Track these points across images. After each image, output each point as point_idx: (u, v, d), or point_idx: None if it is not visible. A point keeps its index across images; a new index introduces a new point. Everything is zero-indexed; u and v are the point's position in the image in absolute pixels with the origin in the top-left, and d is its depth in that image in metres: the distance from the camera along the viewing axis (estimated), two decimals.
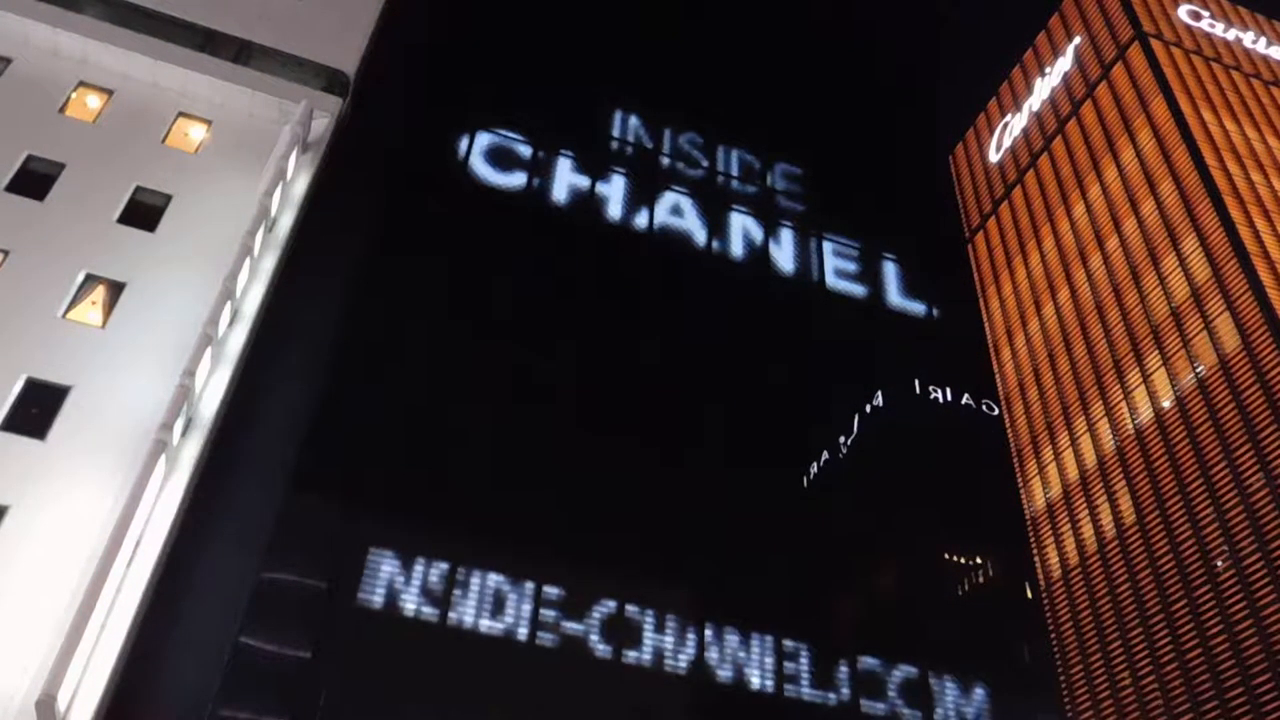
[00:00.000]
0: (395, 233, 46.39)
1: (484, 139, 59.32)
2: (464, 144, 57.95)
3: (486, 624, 56.77)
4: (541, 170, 61.64)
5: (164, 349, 24.30)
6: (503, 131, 60.13)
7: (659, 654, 62.24)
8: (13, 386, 22.96)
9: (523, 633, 57.95)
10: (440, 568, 58.56)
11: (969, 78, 79.65)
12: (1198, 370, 45.90)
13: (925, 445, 79.12)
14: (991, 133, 75.20)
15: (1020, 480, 57.24)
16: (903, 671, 68.24)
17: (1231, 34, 63.31)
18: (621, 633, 60.98)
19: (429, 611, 57.30)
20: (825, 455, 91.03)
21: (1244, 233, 46.84)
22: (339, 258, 30.79)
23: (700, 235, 66.10)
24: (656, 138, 71.86)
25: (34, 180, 27.12)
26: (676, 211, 68.18)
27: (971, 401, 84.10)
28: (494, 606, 57.49)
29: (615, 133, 69.06)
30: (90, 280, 25.53)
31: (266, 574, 34.25)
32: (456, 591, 57.36)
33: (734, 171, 75.43)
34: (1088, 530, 49.69)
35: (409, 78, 40.28)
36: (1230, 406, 43.26)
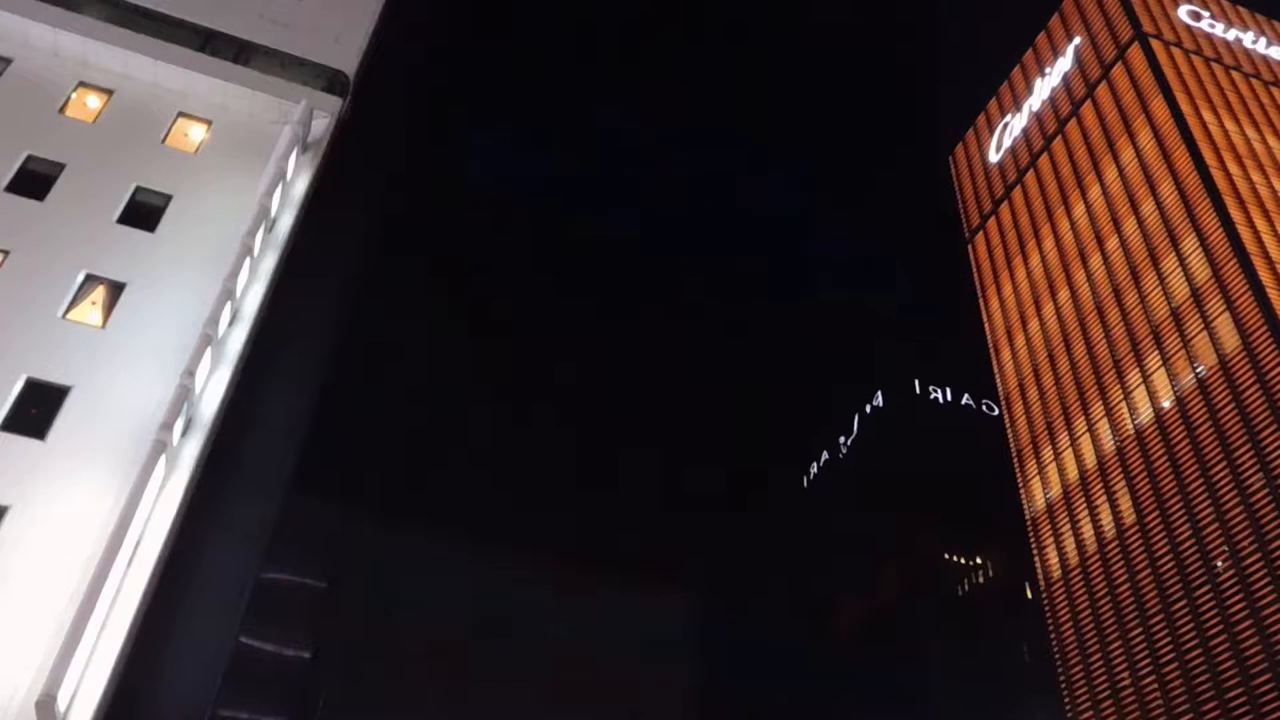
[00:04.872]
0: (395, 233, 46.39)
1: (483, 138, 59.44)
2: (463, 144, 58.10)
3: (486, 624, 56.72)
4: (541, 170, 61.76)
5: (164, 349, 24.24)
6: (502, 131, 60.28)
7: (658, 653, 62.20)
8: (13, 386, 22.91)
9: (523, 632, 57.89)
10: (439, 567, 58.57)
11: (969, 78, 79.73)
12: (1198, 370, 45.88)
13: (925, 445, 79.28)
14: (991, 133, 75.16)
15: (1020, 480, 57.17)
16: (903, 671, 68.24)
17: (1231, 34, 63.29)
18: (620, 632, 60.94)
19: (428, 611, 57.29)
20: (825, 455, 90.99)
21: (1244, 233, 46.82)
22: (339, 258, 30.75)
23: (700, 235, 66.25)
24: (656, 137, 72.09)
25: (34, 180, 27.06)
26: (677, 211, 68.34)
27: (971, 401, 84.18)
28: (493, 606, 57.53)
29: (615, 132, 69.25)
30: (90, 280, 25.46)
31: (266, 574, 34.23)
32: (456, 591, 57.43)
33: (734, 171, 75.62)
34: (1088, 530, 49.66)
35: (409, 78, 40.27)
36: (1230, 406, 43.24)
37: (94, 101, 29.94)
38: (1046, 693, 50.69)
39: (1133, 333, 51.14)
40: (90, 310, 25.08)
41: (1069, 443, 53.64)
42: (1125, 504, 47.58)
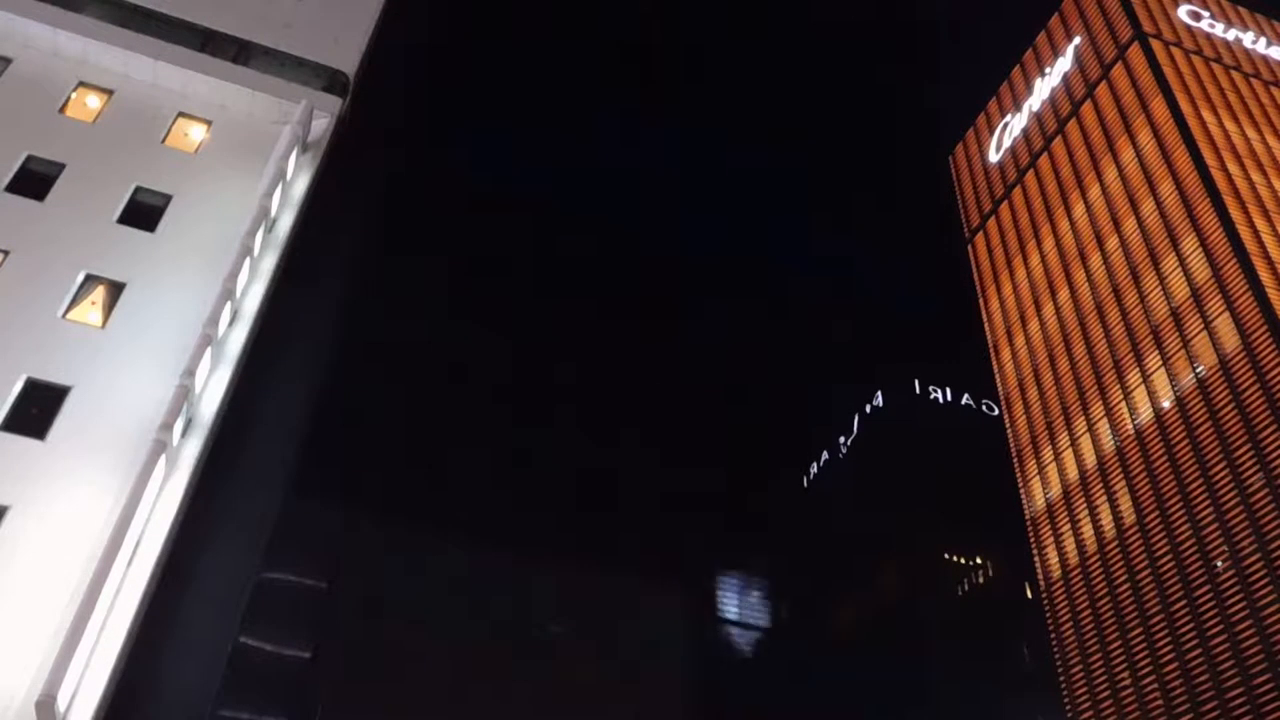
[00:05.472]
0: (395, 233, 46.47)
1: (483, 139, 59.63)
2: (463, 143, 58.29)
3: (486, 624, 56.71)
4: (541, 169, 62.08)
5: (164, 349, 24.23)
6: (501, 131, 60.53)
7: (658, 653, 62.18)
8: (13, 386, 22.89)
9: (522, 631, 57.85)
10: (439, 567, 58.52)
11: (969, 78, 79.91)
12: (1198, 370, 45.89)
13: (925, 445, 79.31)
14: (991, 133, 75.16)
15: (1020, 480, 57.18)
16: (903, 671, 68.21)
17: (1231, 34, 63.30)
18: (620, 632, 60.91)
19: (429, 611, 57.25)
20: (825, 455, 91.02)
21: (1244, 233, 46.83)
22: (339, 258, 30.75)
23: (700, 235, 66.52)
24: (655, 137, 72.40)
25: (34, 180, 27.04)
26: (676, 211, 68.65)
27: (971, 401, 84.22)
28: (493, 606, 57.52)
29: (614, 132, 69.53)
30: (90, 280, 25.44)
31: (266, 574, 34.24)
32: (456, 591, 57.41)
33: (734, 171, 75.93)
34: (1088, 530, 49.66)
35: (409, 78, 40.32)
36: (1230, 406, 43.25)
37: (94, 101, 29.94)
38: (1046, 693, 50.70)
39: (1133, 333, 51.15)
40: (90, 310, 25.08)
41: (1069, 443, 53.65)
42: (1125, 504, 47.59)
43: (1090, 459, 51.36)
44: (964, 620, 69.54)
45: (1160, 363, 48.35)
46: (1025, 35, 74.56)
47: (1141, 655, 43.42)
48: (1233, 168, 51.10)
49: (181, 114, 30.46)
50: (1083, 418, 53.09)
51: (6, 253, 25.20)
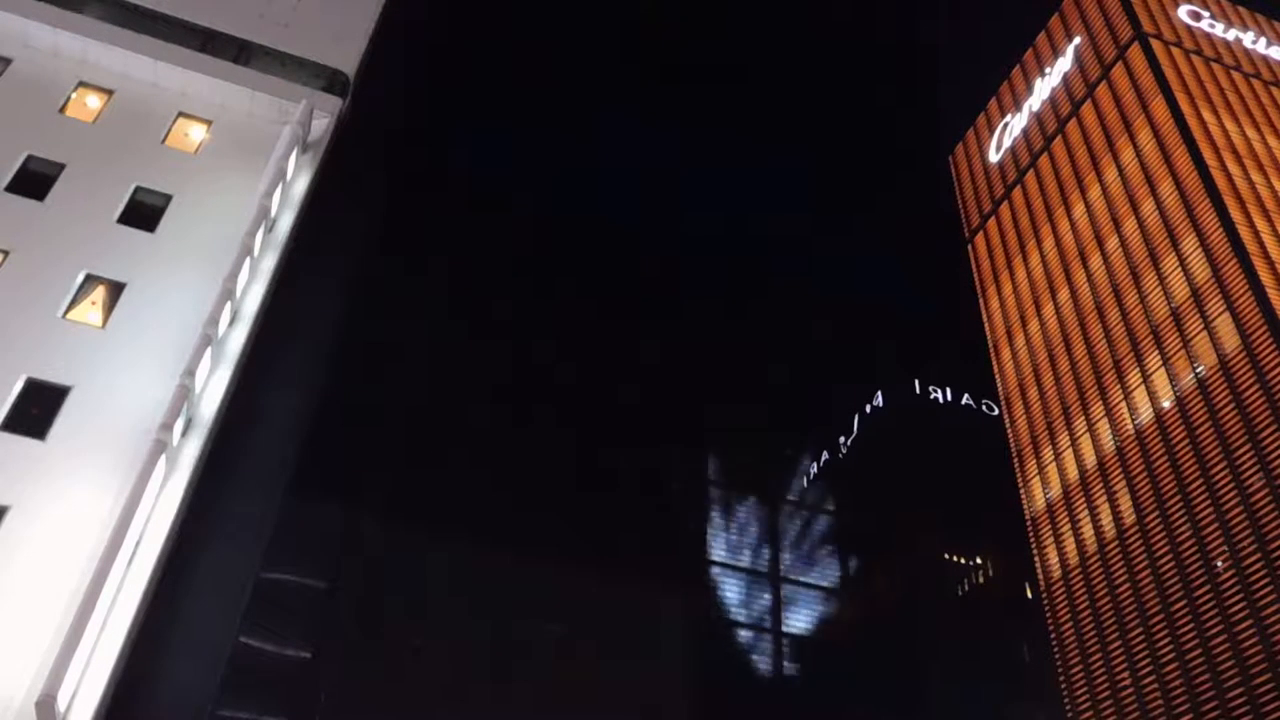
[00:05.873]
0: (395, 233, 46.45)
1: (483, 139, 59.70)
2: (463, 144, 58.31)
3: (486, 624, 56.73)
4: (540, 170, 62.16)
5: (164, 349, 24.27)
6: (502, 131, 60.58)
7: (658, 653, 62.23)
8: (13, 386, 22.92)
9: (523, 632, 57.89)
10: (440, 567, 58.57)
11: (969, 78, 79.80)
12: (1198, 370, 45.89)
13: (925, 445, 79.32)
14: (991, 133, 75.16)
15: (1020, 480, 57.19)
16: (903, 671, 68.24)
17: (1231, 34, 63.30)
18: (620, 632, 60.94)
19: (429, 611, 57.27)
20: (825, 455, 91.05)
21: (1244, 233, 46.85)
22: (339, 258, 30.77)
23: (701, 234, 66.55)
24: (655, 137, 72.50)
25: (34, 180, 27.09)
26: (676, 210, 68.71)
27: (971, 401, 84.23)
28: (493, 606, 57.55)
29: (614, 132, 69.66)
30: (90, 280, 25.49)
31: (266, 574, 34.23)
32: (456, 591, 57.46)
33: (734, 171, 75.99)
34: (1088, 530, 49.67)
35: (409, 78, 40.33)
36: (1230, 406, 43.25)
37: (94, 101, 29.96)
38: (1046, 693, 50.72)
39: (1133, 333, 51.15)
40: (90, 310, 25.10)
41: (1069, 443, 53.66)
42: (1125, 504, 47.59)
43: (1090, 459, 51.37)
44: (964, 620, 69.57)
45: (1160, 363, 48.36)
46: (1025, 35, 74.56)
47: (1141, 655, 43.43)
48: (1233, 168, 51.12)
49: (181, 114, 30.50)
50: (1083, 418, 53.10)
51: (6, 253, 25.23)
